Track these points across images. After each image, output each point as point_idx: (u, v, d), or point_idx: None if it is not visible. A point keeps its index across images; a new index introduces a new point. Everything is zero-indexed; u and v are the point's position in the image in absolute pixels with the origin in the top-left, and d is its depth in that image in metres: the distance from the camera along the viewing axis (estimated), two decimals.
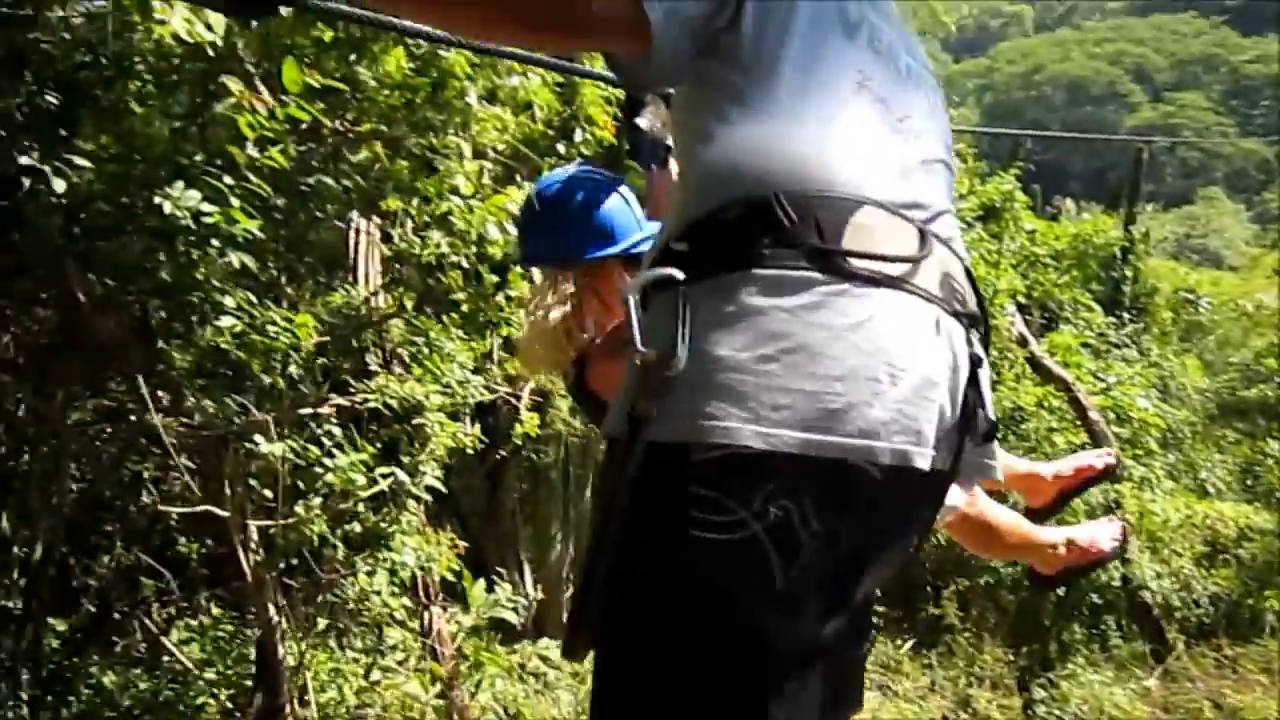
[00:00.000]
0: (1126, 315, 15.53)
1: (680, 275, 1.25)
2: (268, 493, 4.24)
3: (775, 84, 1.32)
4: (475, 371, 4.77)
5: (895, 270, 1.25)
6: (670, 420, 1.20)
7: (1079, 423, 9.96)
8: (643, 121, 2.28)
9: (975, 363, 1.33)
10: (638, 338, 1.22)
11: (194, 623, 6.10)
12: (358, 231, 5.16)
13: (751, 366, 1.18)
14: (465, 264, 4.77)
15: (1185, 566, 9.44)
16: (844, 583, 1.28)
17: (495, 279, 4.88)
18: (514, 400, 5.35)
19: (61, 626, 5.42)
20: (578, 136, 5.26)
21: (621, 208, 2.22)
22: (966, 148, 12.41)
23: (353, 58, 4.10)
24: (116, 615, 5.47)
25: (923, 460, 1.23)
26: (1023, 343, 10.10)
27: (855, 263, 1.22)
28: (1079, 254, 15.12)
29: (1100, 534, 2.73)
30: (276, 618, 4.24)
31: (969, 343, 1.34)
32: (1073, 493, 2.89)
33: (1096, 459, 2.92)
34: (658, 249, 1.37)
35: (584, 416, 2.51)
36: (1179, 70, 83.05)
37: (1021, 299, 11.32)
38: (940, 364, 1.27)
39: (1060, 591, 8.53)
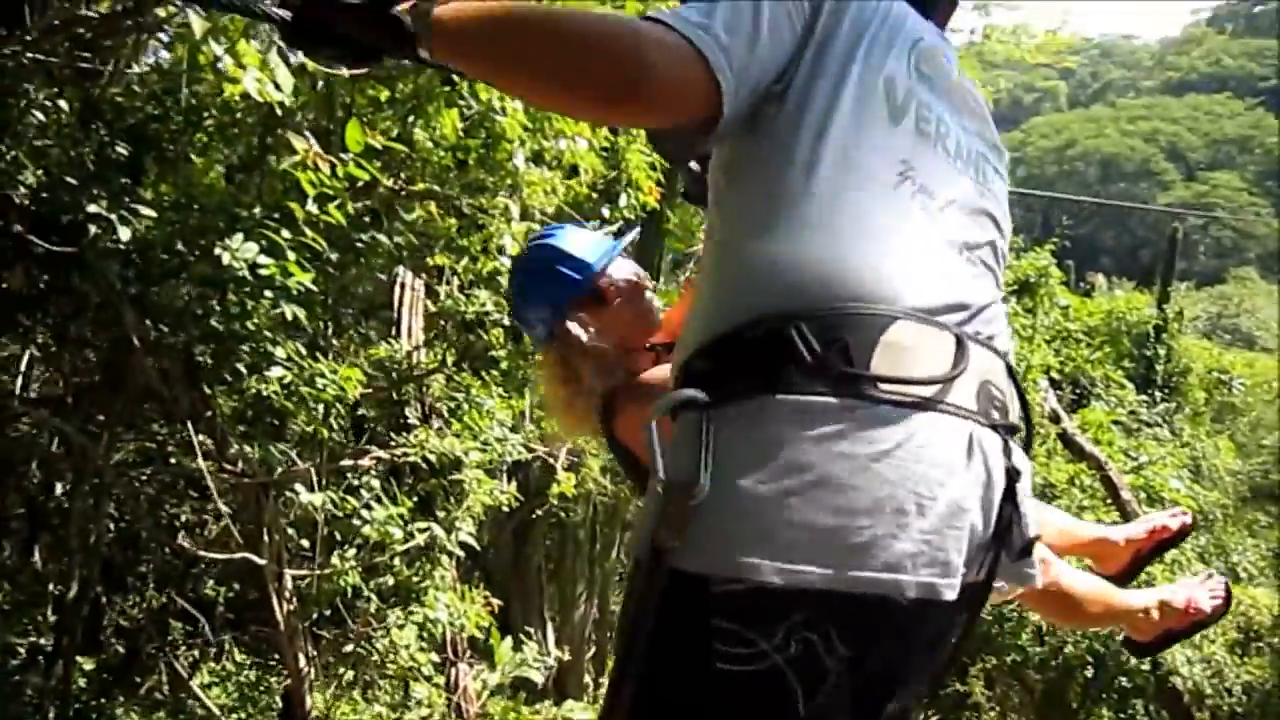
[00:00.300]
0: (1159, 394, 15.42)
1: (703, 398, 1.21)
2: (304, 542, 4.26)
3: (811, 177, 1.27)
4: (513, 429, 4.81)
5: (927, 391, 1.21)
6: (692, 550, 1.17)
7: (1110, 501, 9.86)
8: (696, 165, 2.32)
9: (1013, 476, 1.28)
10: (659, 465, 1.19)
11: (217, 667, 6.12)
12: (402, 286, 5.25)
13: (774, 500, 1.15)
14: (507, 322, 4.84)
15: (1218, 653, 9.25)
16: (874, 701, 1.24)
17: None
18: (551, 459, 5.38)
19: (89, 665, 5.44)
20: (622, 201, 5.35)
21: (554, 258, 2.16)
22: None
23: (410, 118, 4.22)
24: (144, 657, 5.48)
25: (950, 592, 1.20)
26: (1055, 419, 10.04)
27: (884, 387, 1.18)
28: (1112, 330, 15.08)
29: (1198, 593, 2.50)
30: (306, 667, 4.25)
31: (1006, 454, 1.29)
32: (1149, 556, 2.67)
33: (1170, 519, 2.71)
34: (685, 353, 1.33)
35: (620, 468, 2.47)
36: (1213, 150, 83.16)
37: (1054, 374, 11.27)
38: (971, 487, 1.23)
39: (1088, 673, 8.39)
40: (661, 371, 2.06)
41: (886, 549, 1.15)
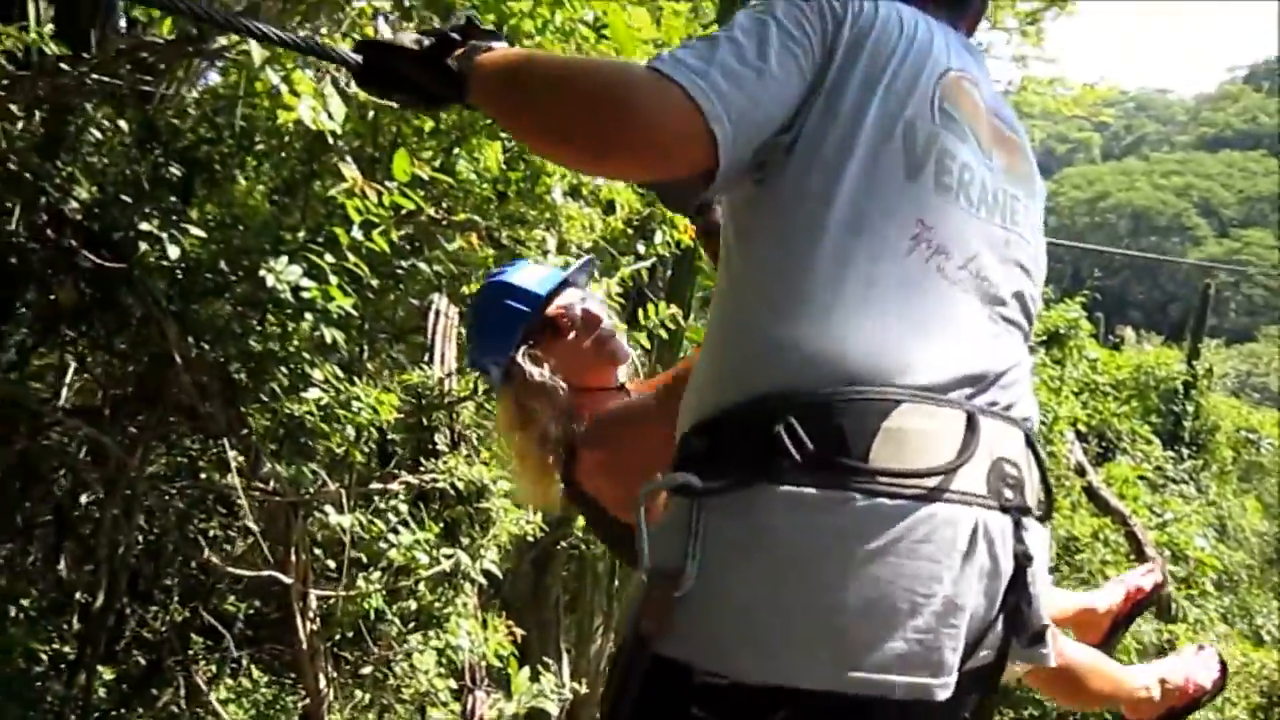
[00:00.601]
0: (1186, 451, 15.30)
1: (697, 483, 1.15)
2: (330, 562, 4.30)
3: (817, 245, 1.20)
4: None
5: (930, 482, 1.13)
6: (676, 638, 1.14)
7: (1134, 558, 9.78)
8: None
9: (1022, 561, 1.21)
10: (645, 551, 1.15)
11: (234, 683, 6.14)
12: (437, 313, 5.31)
13: (762, 595, 1.11)
14: None
15: (1240, 717, 9.12)
16: None
17: None
18: None
19: (110, 675, 5.48)
20: (657, 237, 5.40)
21: (502, 291, 2.05)
22: None
23: (453, 150, 4.30)
24: (164, 669, 5.52)
25: (943, 691, 1.14)
26: (1080, 472, 10.00)
27: (883, 480, 1.12)
28: (1140, 385, 15.00)
29: (1196, 668, 2.44)
30: (326, 688, 4.27)
31: (1018, 538, 1.21)
32: (1126, 621, 2.64)
33: (1143, 579, 2.69)
34: (685, 424, 1.28)
35: (587, 523, 2.39)
36: (1246, 207, 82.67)
37: (1081, 427, 11.22)
38: (972, 581, 1.16)
39: None
40: (625, 407, 1.92)
41: (877, 650, 1.10)
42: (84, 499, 6.16)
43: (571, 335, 2.00)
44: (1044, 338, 11.60)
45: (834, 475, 1.12)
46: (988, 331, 1.28)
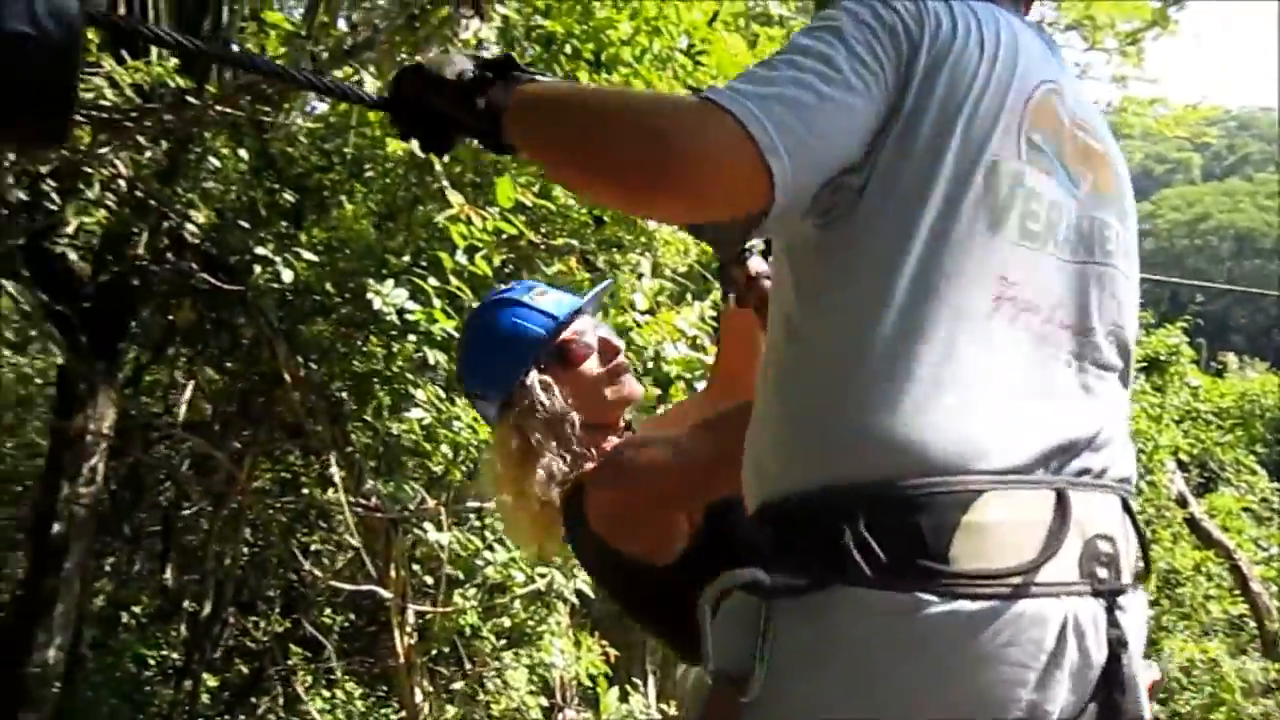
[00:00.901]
0: None
1: (766, 581, 1.04)
2: (427, 579, 4.40)
3: (886, 313, 1.07)
4: None
5: (1015, 579, 1.03)
6: None
7: (1238, 592, 9.44)
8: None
9: (1118, 647, 1.10)
10: (711, 651, 1.06)
11: (329, 694, 6.29)
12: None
13: (835, 706, 1.03)
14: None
15: None
16: None
17: (657, 391, 5.03)
18: None
19: (213, 682, 5.67)
20: None
21: (514, 311, 1.85)
22: None
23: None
24: (264, 678, 5.69)
25: None
26: (1182, 502, 9.68)
27: (964, 580, 1.02)
28: (1244, 413, 14.44)
29: None
30: (421, 702, 4.36)
31: (1113, 622, 1.11)
32: None
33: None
34: (749, 503, 1.18)
35: (591, 574, 2.21)
36: None
37: (1182, 456, 10.88)
38: (1060, 682, 1.07)
39: None
40: (641, 445, 1.74)
41: None
42: (186, 511, 6.41)
43: (585, 365, 1.81)
44: (1144, 364, 11.28)
45: (911, 578, 1.01)
46: (1078, 389, 1.16)
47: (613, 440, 1.78)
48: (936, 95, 1.08)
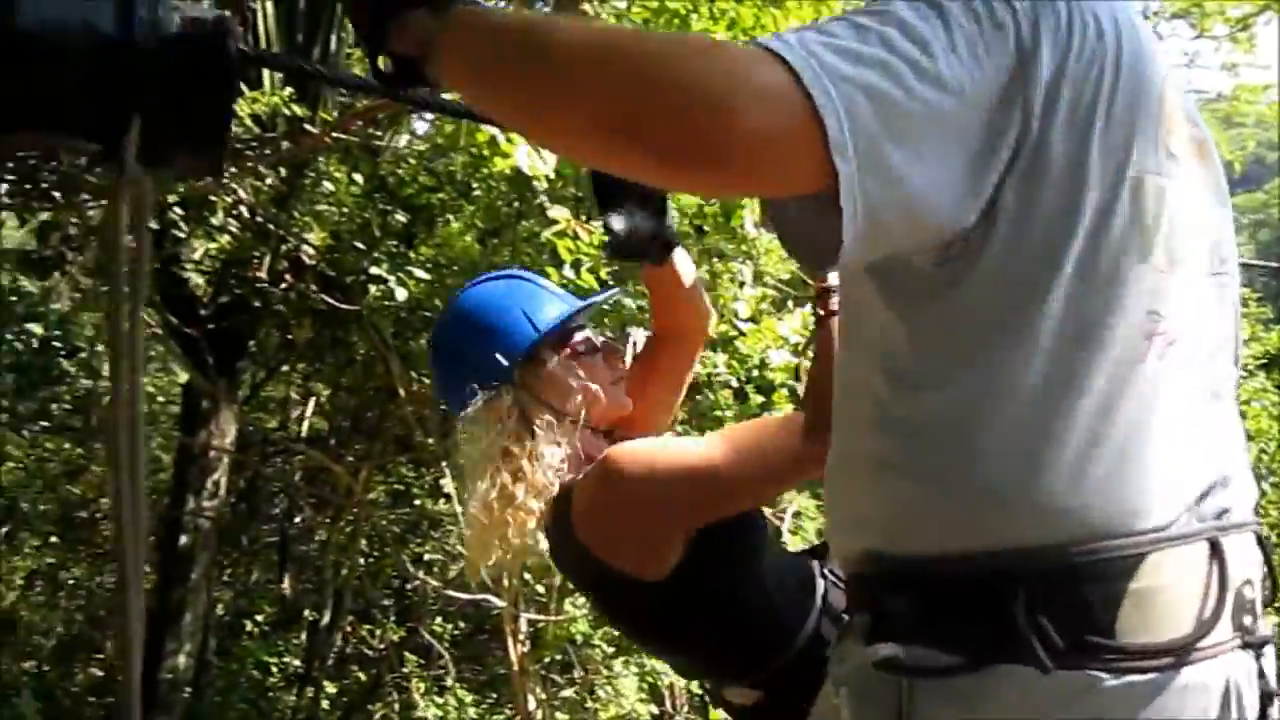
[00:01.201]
0: None
1: (904, 658, 0.95)
2: (539, 588, 4.47)
3: (1032, 360, 0.93)
4: None
5: (1179, 647, 0.95)
6: None
7: None
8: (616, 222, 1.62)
9: (1267, 701, 1.02)
10: None
11: (442, 701, 6.43)
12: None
13: None
14: (734, 383, 4.94)
15: None
16: None
17: (760, 399, 5.03)
18: (778, 519, 5.43)
19: (332, 689, 5.85)
20: None
21: (534, 288, 1.73)
22: (1250, 293, 11.69)
23: None
24: (382, 685, 5.84)
25: None
26: None
27: (1133, 653, 0.93)
28: None
29: None
30: (535, 709, 4.43)
31: (1261, 672, 1.02)
32: None
33: None
34: (868, 564, 1.05)
35: (575, 584, 2.03)
36: None
37: None
38: None
39: None
40: (633, 449, 1.56)
41: None
42: (299, 522, 6.63)
43: (593, 360, 1.68)
44: (1263, 360, 10.85)
45: (1081, 655, 0.92)
46: (1211, 420, 1.04)
47: (597, 445, 1.62)
48: (1062, 107, 0.90)
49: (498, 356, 1.61)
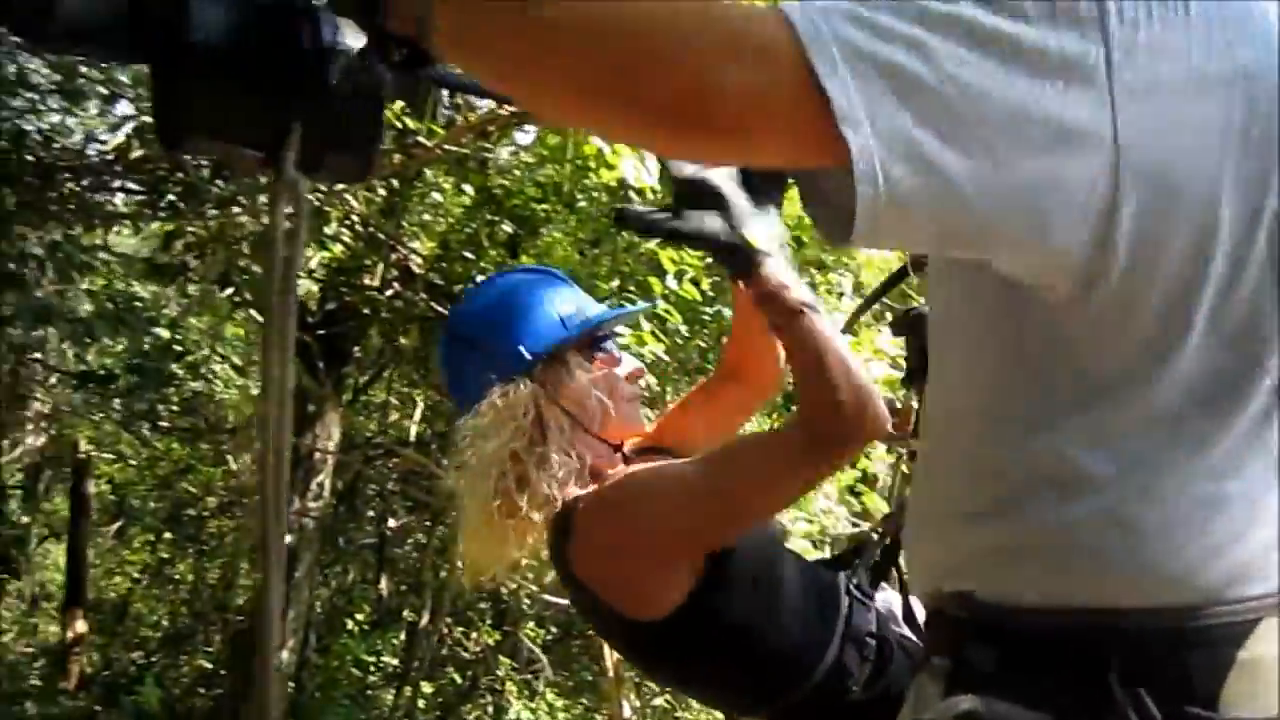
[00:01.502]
0: None
1: (982, 710, 0.89)
2: None
3: (1152, 417, 0.85)
4: (837, 502, 4.86)
5: None
6: None
7: None
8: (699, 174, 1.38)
9: None
10: None
11: (531, 705, 6.51)
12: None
13: None
14: None
15: None
16: None
17: None
18: (876, 533, 5.39)
19: (429, 689, 5.96)
20: None
21: (565, 287, 1.65)
22: None
23: None
24: (477, 687, 5.94)
25: None
26: None
27: None
28: None
29: None
30: (630, 716, 4.45)
31: None
32: None
33: None
34: (954, 605, 0.98)
35: (573, 602, 1.81)
36: None
37: None
38: None
39: None
40: (646, 478, 1.52)
41: None
42: (394, 524, 6.77)
43: (616, 371, 1.61)
44: None
45: None
46: None
47: (607, 463, 1.56)
48: (1180, 86, 0.74)
49: (521, 349, 1.54)
